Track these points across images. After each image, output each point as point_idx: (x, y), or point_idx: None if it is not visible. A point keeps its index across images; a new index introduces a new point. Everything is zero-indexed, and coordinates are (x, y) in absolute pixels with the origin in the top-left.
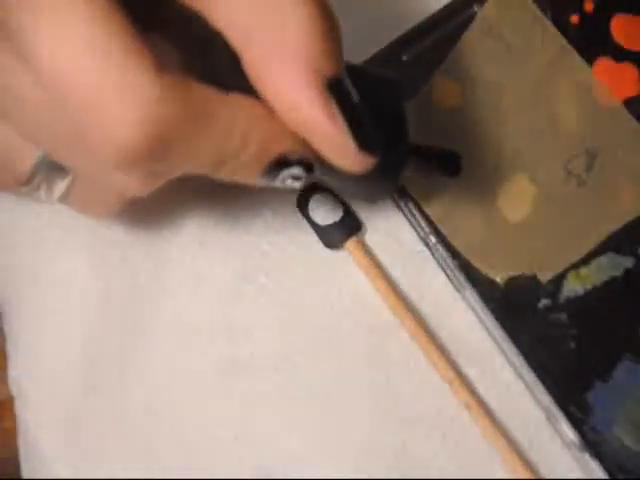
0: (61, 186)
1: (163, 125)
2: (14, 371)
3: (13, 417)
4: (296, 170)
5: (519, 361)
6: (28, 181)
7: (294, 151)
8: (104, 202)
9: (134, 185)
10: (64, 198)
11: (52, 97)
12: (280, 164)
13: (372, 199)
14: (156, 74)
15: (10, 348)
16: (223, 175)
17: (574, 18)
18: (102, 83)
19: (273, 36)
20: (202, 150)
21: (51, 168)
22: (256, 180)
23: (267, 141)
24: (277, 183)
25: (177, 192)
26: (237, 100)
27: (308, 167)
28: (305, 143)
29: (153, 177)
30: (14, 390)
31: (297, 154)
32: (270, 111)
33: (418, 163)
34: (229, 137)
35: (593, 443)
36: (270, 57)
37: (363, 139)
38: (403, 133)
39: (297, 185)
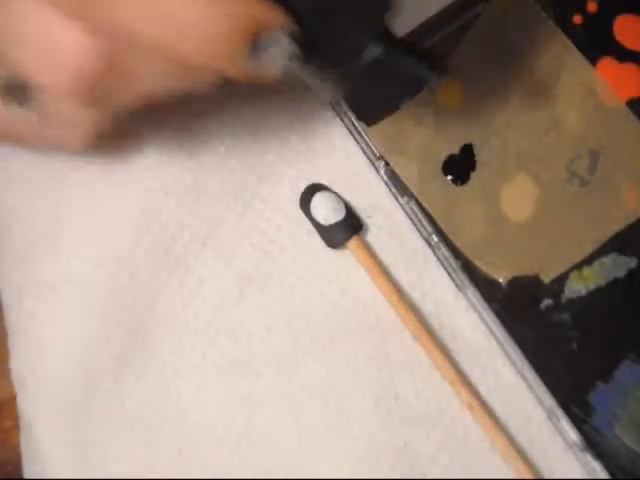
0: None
1: None
2: (16, 368)
3: (13, 417)
4: (283, 43)
5: (521, 361)
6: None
7: (277, 22)
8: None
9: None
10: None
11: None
12: (264, 39)
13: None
14: None
15: (12, 345)
16: (204, 55)
17: (577, 18)
18: None
19: None
20: (159, 9)
21: (13, 89)
22: (244, 61)
23: (246, 12)
24: (267, 59)
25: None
26: None
27: (297, 39)
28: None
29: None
30: (16, 387)
31: (281, 26)
32: None
33: (398, 56)
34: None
35: (594, 443)
36: None
37: None
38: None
39: (290, 63)
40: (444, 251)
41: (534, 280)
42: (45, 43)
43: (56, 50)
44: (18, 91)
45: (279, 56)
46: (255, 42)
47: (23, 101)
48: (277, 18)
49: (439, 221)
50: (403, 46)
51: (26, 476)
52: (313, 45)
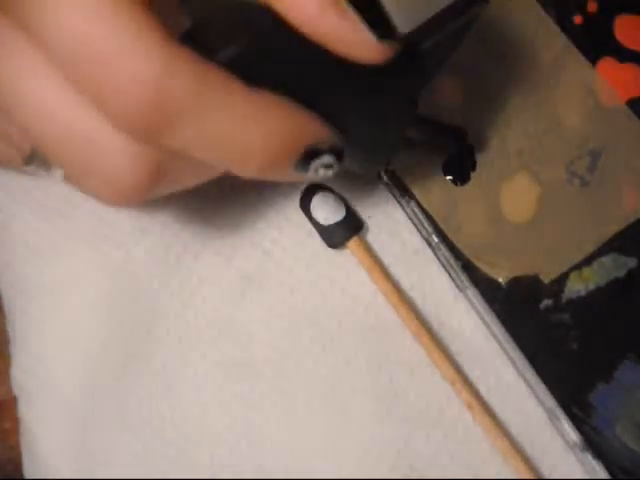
0: (58, 173)
1: (170, 95)
2: (17, 371)
3: (13, 417)
4: (327, 159)
5: (521, 361)
6: (27, 163)
7: (322, 140)
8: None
9: (135, 173)
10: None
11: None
12: (310, 155)
13: (373, 165)
14: (163, 44)
15: (13, 348)
16: (253, 172)
17: (577, 18)
18: (108, 47)
19: None
20: (215, 135)
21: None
22: (288, 174)
23: (294, 135)
24: (310, 174)
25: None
26: (258, 95)
27: (338, 154)
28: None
29: (163, 163)
30: (16, 390)
31: (326, 143)
32: (293, 107)
33: (425, 133)
34: (247, 128)
35: (595, 443)
36: None
37: (380, 27)
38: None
39: (330, 173)
40: (444, 251)
41: (534, 280)
42: (91, 152)
43: (102, 162)
44: (43, 161)
45: (321, 168)
46: (300, 158)
47: (48, 168)
48: (321, 131)
49: (439, 221)
50: (433, 125)
51: (26, 476)
52: (352, 149)
